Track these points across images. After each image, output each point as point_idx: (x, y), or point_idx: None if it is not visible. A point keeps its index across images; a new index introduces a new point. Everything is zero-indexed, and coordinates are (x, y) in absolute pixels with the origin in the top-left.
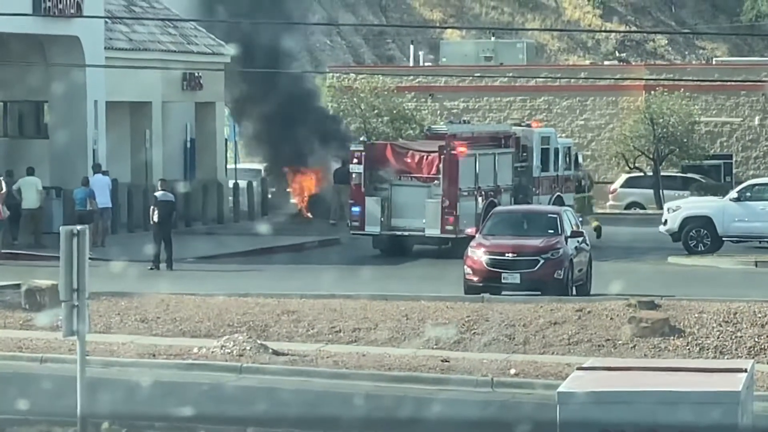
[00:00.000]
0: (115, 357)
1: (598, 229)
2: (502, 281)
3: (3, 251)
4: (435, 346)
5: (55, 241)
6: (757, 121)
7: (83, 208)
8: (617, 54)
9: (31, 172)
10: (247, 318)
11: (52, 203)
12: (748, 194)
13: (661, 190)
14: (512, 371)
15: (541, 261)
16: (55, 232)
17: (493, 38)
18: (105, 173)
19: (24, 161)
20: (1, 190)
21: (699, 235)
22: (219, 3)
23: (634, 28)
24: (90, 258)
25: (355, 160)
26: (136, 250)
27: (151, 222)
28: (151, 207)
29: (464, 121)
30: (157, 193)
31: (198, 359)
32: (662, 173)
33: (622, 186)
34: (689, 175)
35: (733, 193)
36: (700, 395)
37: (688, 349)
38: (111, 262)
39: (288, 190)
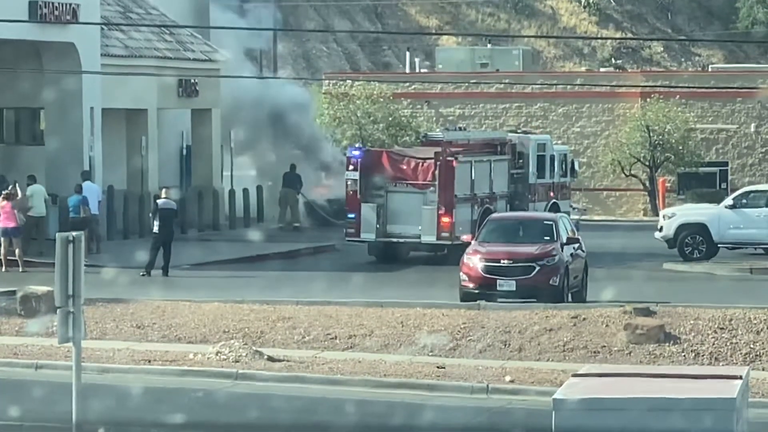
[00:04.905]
0: (111, 363)
1: None
2: (498, 288)
3: (24, 259)
4: (430, 353)
5: (50, 248)
6: (752, 128)
7: (77, 215)
8: (613, 61)
9: (34, 179)
10: (242, 324)
11: (48, 210)
12: (744, 201)
13: (657, 198)
14: (508, 378)
15: (537, 268)
16: (51, 239)
17: (489, 45)
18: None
19: (19, 168)
20: (17, 196)
21: (694, 242)
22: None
23: (630, 35)
24: (85, 264)
25: (350, 167)
26: (131, 257)
27: (152, 228)
28: (151, 214)
29: (460, 128)
30: (160, 200)
31: (193, 365)
32: None
33: None
34: None
35: (729, 200)
36: (696, 402)
37: (684, 355)
38: (106, 268)
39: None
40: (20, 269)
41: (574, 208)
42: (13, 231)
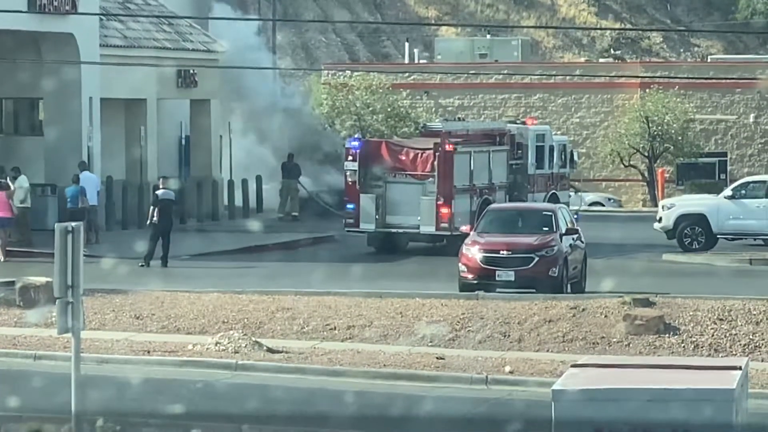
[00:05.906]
0: (110, 354)
1: None
2: (497, 278)
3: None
4: (430, 344)
5: (47, 239)
6: (751, 119)
7: (75, 206)
8: (612, 51)
9: (18, 171)
10: (241, 315)
11: (47, 201)
12: (743, 192)
13: (656, 189)
14: (507, 369)
15: (536, 258)
16: (49, 230)
17: (488, 35)
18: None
19: (18, 158)
20: (11, 188)
21: (694, 233)
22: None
23: (629, 26)
24: (84, 255)
25: (350, 158)
26: (130, 247)
27: (151, 219)
28: (152, 205)
29: (459, 119)
30: (159, 191)
31: (193, 356)
32: None
33: None
34: None
35: (728, 191)
36: (695, 392)
37: (683, 346)
38: (105, 259)
39: None
40: (2, 258)
41: (610, 200)
42: (7, 221)
